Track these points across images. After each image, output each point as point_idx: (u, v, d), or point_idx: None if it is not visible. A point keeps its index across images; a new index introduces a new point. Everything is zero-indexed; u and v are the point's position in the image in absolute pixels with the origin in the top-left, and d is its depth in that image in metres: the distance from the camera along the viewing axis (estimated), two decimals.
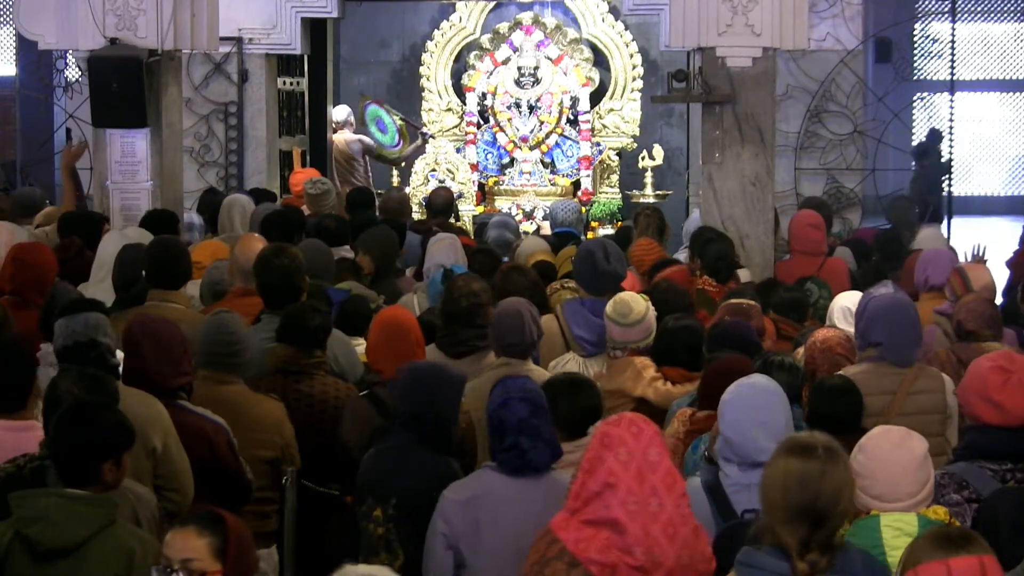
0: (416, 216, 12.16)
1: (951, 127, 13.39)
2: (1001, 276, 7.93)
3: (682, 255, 9.02)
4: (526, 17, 14.37)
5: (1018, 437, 4.61)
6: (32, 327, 6.34)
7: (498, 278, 7.18)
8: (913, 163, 16.47)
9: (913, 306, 5.99)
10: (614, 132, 14.50)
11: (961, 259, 7.95)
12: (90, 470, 4.27)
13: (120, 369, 5.47)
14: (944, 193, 13.41)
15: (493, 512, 4.53)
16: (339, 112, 14.01)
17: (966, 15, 21.53)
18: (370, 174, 14.13)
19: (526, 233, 12.47)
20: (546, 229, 11.68)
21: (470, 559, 4.53)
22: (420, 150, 14.26)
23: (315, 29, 12.99)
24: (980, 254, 8.30)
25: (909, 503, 4.19)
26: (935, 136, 19.48)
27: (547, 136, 14.27)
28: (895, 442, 4.23)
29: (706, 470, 4.69)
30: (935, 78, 22.35)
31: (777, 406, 4.60)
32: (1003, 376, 4.65)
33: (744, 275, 8.31)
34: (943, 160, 19.39)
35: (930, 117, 20.88)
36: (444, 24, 14.83)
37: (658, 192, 13.87)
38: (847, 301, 6.57)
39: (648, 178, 13.86)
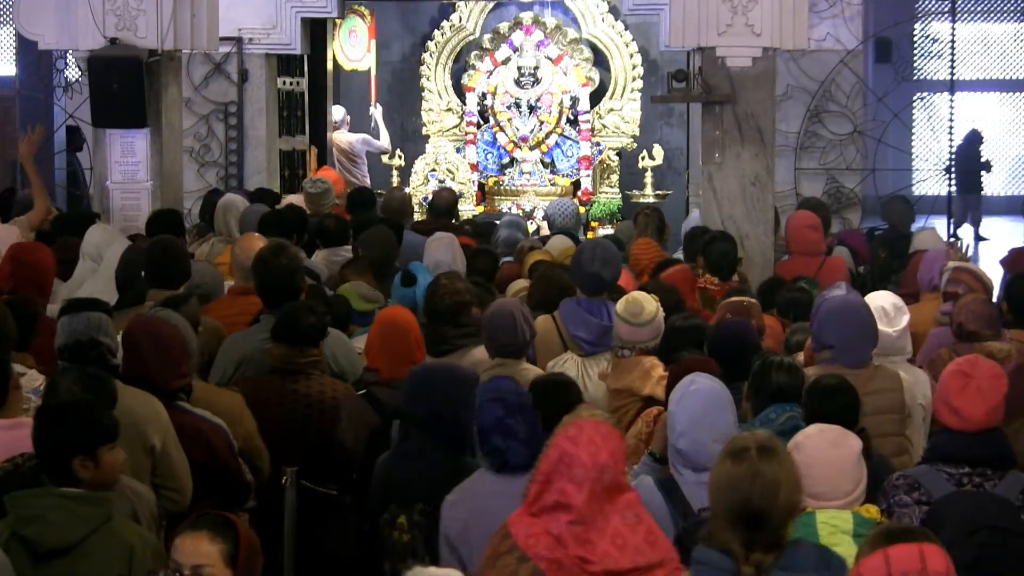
0: (416, 216, 12.15)
1: (951, 127, 13.39)
2: (996, 274, 7.93)
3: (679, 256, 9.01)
4: (526, 17, 14.37)
5: (975, 442, 4.61)
6: None
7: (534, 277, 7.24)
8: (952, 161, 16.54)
9: (866, 306, 5.96)
10: (614, 132, 14.51)
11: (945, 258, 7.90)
12: (63, 466, 4.27)
13: (119, 369, 5.46)
14: (945, 194, 13.38)
15: (479, 512, 4.54)
16: (335, 112, 14.02)
17: (966, 15, 21.52)
18: (367, 175, 14.15)
19: (534, 234, 12.48)
20: (545, 230, 11.67)
21: (467, 559, 4.54)
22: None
23: (315, 29, 13.00)
24: (965, 252, 8.28)
25: (844, 501, 4.22)
26: (975, 137, 19.62)
27: (547, 136, 14.27)
28: (831, 440, 4.26)
29: (654, 468, 4.74)
30: (935, 78, 22.35)
31: (723, 408, 4.68)
32: (963, 381, 4.66)
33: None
34: (982, 160, 19.64)
35: (930, 117, 20.88)
36: (444, 24, 14.84)
37: (658, 192, 13.88)
38: (882, 301, 6.44)
39: (648, 178, 13.87)
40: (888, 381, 5.81)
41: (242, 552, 3.81)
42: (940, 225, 13.34)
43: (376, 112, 14.57)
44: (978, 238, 18.73)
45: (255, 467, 5.69)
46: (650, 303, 6.23)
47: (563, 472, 3.86)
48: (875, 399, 5.69)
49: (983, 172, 19.86)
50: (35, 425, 4.37)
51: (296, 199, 9.92)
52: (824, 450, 4.23)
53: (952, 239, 8.40)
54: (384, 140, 14.34)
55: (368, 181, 13.60)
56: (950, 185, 13.29)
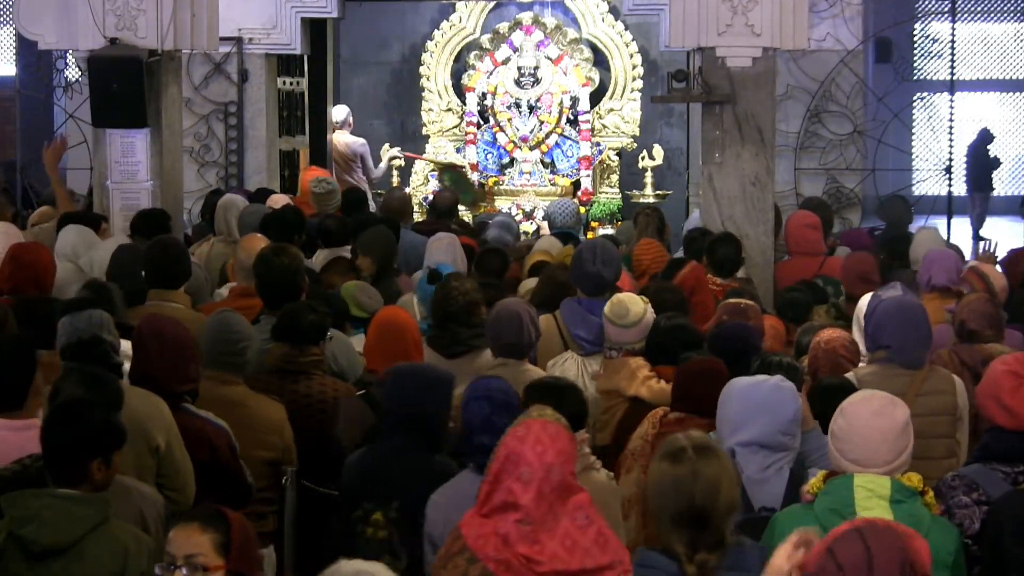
0: (416, 216, 12.16)
1: (951, 127, 13.38)
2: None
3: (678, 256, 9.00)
4: (526, 17, 14.37)
5: None
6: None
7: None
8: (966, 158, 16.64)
9: (922, 308, 5.98)
10: (614, 132, 14.50)
11: (969, 257, 7.92)
12: (79, 469, 4.27)
13: (123, 368, 5.46)
14: (945, 194, 13.38)
15: (463, 513, 4.55)
16: (338, 112, 14.00)
17: (966, 15, 21.52)
18: (364, 178, 14.12)
19: (526, 234, 12.47)
20: (545, 230, 11.68)
21: None
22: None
23: (315, 29, 13.00)
24: (992, 250, 8.28)
25: (884, 469, 4.17)
26: (986, 135, 19.68)
27: (547, 136, 14.27)
28: (876, 409, 4.21)
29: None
30: (935, 78, 22.35)
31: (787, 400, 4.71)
32: (1015, 381, 4.65)
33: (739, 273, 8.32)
34: (991, 158, 19.71)
35: (930, 117, 20.89)
36: (444, 24, 14.83)
37: (658, 192, 13.88)
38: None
39: (648, 178, 13.87)
40: (942, 383, 5.81)
41: (235, 541, 3.83)
42: (940, 225, 13.36)
43: (393, 151, 14.41)
44: (977, 238, 18.74)
45: (282, 475, 5.71)
46: (636, 305, 6.23)
47: (510, 471, 3.88)
48: (928, 400, 5.71)
49: (994, 169, 19.96)
50: (50, 426, 4.36)
51: (282, 199, 9.86)
52: (865, 418, 4.17)
53: (983, 240, 8.36)
54: (379, 170, 14.20)
55: (365, 184, 13.57)
56: (950, 185, 13.28)
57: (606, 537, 3.85)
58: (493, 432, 4.54)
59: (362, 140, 14.03)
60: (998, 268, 7.71)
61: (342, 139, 13.93)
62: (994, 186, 20.18)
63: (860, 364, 5.96)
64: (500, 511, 3.87)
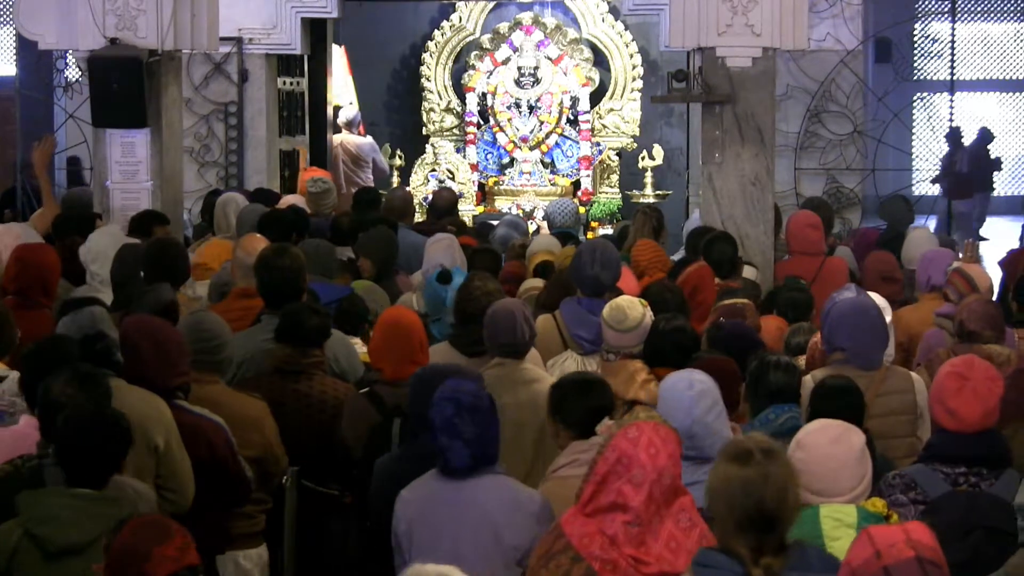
0: (417, 216, 12.15)
1: (951, 127, 13.39)
2: (994, 275, 7.93)
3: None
4: (526, 17, 14.37)
5: (972, 442, 4.62)
6: (39, 327, 6.35)
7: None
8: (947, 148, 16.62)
9: (877, 308, 5.96)
10: (614, 132, 14.51)
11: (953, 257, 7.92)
12: (103, 475, 4.36)
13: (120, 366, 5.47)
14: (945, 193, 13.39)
15: (423, 515, 4.58)
16: (347, 111, 14.02)
17: (966, 15, 21.53)
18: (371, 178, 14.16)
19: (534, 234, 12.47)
20: (546, 230, 11.68)
21: (408, 557, 4.57)
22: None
23: (315, 29, 13.00)
24: (973, 252, 8.28)
25: (848, 497, 4.20)
26: (986, 135, 19.68)
27: (547, 136, 14.28)
28: (833, 437, 4.24)
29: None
30: (935, 78, 22.34)
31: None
32: (958, 383, 4.66)
33: (749, 272, 8.31)
34: (993, 158, 19.73)
35: (930, 117, 20.89)
36: (444, 24, 14.84)
37: (658, 192, 13.88)
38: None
39: (648, 178, 13.87)
40: (901, 382, 5.81)
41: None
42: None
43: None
44: (977, 237, 18.74)
45: (268, 473, 5.70)
46: (635, 309, 6.21)
47: (621, 473, 3.88)
48: (887, 400, 5.70)
49: (995, 171, 19.96)
50: (76, 432, 4.38)
51: (295, 199, 9.92)
52: (824, 447, 4.22)
53: (970, 240, 8.38)
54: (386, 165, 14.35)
55: (372, 184, 13.58)
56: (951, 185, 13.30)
57: (709, 540, 3.85)
58: (452, 434, 4.56)
59: (370, 141, 14.07)
60: (984, 270, 7.70)
61: (353, 140, 13.95)
62: (995, 187, 20.16)
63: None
64: (607, 511, 3.88)
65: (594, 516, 3.91)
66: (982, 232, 19.14)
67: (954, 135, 17.32)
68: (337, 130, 14.01)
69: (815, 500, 4.19)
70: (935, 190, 16.04)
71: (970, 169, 19.61)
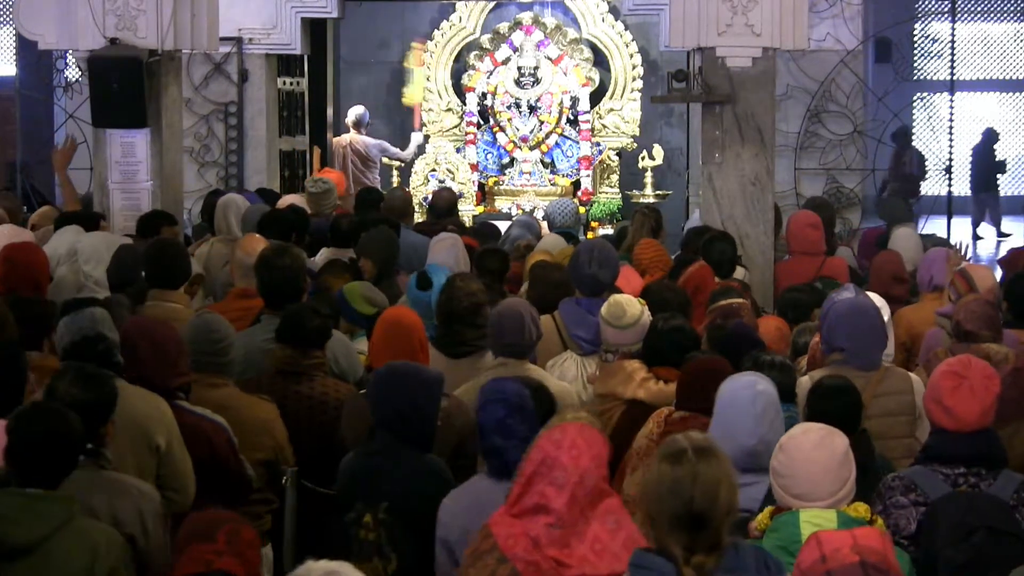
0: (416, 216, 12.16)
1: (951, 127, 13.38)
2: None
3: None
4: (526, 17, 14.37)
5: (970, 442, 4.61)
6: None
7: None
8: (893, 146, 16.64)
9: (876, 308, 5.96)
10: (614, 132, 14.51)
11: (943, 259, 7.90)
12: (55, 474, 4.33)
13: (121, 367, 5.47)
14: (945, 193, 13.38)
15: (479, 517, 4.54)
16: (355, 112, 14.05)
17: (966, 15, 21.51)
18: (378, 179, 14.19)
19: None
20: (546, 230, 11.68)
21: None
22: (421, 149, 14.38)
23: (315, 29, 13.01)
24: (964, 253, 8.28)
25: (830, 502, 4.17)
26: (991, 135, 19.67)
27: (547, 136, 14.27)
28: (815, 441, 4.21)
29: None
30: (935, 78, 22.34)
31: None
32: (955, 382, 4.65)
33: (739, 273, 8.31)
34: (997, 160, 19.73)
35: (930, 117, 20.88)
36: (444, 24, 14.83)
37: (658, 192, 13.88)
38: None
39: (648, 178, 13.87)
40: (899, 383, 5.80)
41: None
42: (940, 225, 13.36)
43: (417, 135, 14.55)
44: (976, 237, 18.75)
45: (278, 474, 5.71)
46: (633, 307, 6.21)
47: (544, 475, 3.87)
48: (885, 401, 5.69)
49: (999, 172, 19.97)
50: (20, 428, 4.36)
51: (295, 199, 9.92)
52: (806, 451, 4.18)
53: (959, 242, 8.38)
54: (408, 152, 14.37)
55: (379, 186, 13.61)
56: (950, 185, 13.28)
57: (635, 542, 3.83)
58: (506, 434, 4.54)
59: (377, 141, 14.12)
60: (991, 270, 7.70)
61: (361, 139, 13.97)
62: (999, 187, 20.17)
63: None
64: (531, 513, 3.87)
65: (520, 517, 3.90)
66: (1003, 229, 19.23)
67: (901, 134, 17.35)
68: (346, 130, 14.06)
69: (796, 504, 4.17)
70: (935, 190, 16.04)
71: (976, 169, 19.63)
